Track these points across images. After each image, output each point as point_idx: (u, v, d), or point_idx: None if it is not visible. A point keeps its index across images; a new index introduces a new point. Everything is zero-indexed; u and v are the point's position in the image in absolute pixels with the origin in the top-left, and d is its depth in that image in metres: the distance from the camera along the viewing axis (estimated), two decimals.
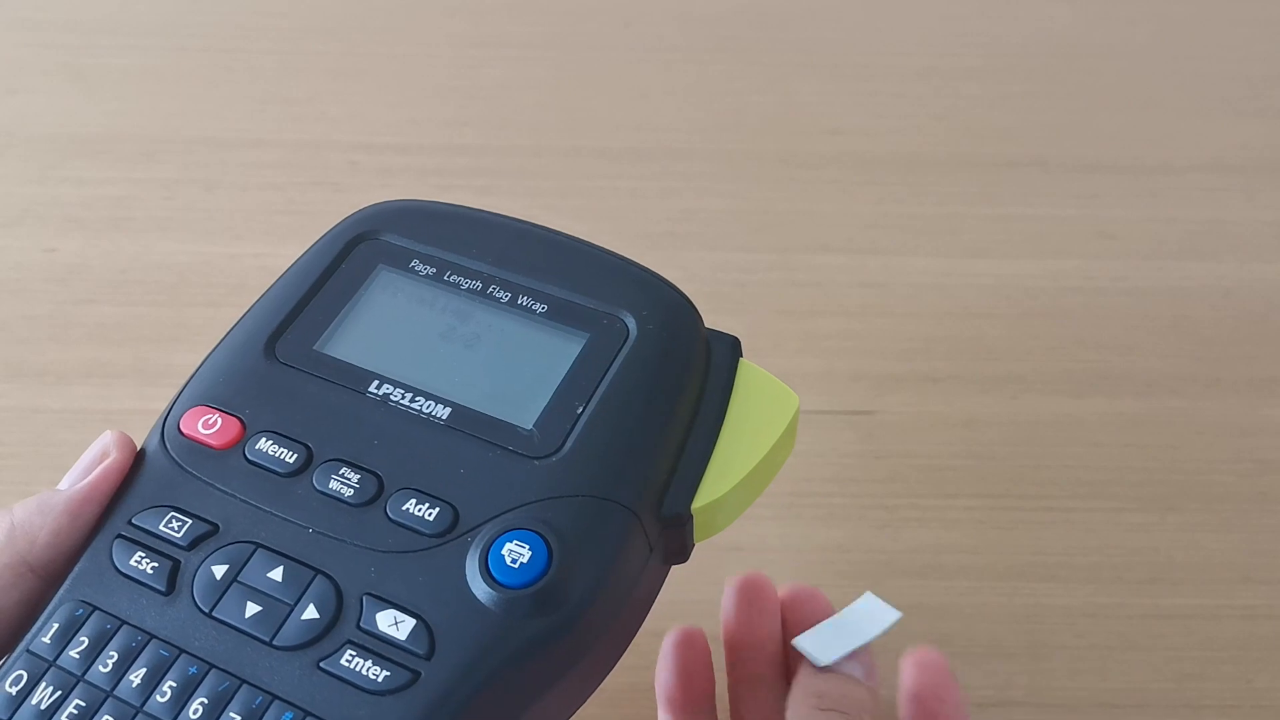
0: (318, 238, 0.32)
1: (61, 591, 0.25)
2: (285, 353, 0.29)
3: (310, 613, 0.24)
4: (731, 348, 0.30)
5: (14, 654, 0.25)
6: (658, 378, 0.28)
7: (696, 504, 0.27)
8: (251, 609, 0.24)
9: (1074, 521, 0.44)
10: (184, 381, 0.29)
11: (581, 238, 0.31)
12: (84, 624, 0.24)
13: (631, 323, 0.29)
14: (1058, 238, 0.52)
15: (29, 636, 0.25)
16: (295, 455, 0.27)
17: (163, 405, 0.44)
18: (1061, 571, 0.42)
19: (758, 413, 0.29)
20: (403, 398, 0.28)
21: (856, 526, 0.43)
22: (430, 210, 0.32)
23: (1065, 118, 0.57)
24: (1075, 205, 0.53)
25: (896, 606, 0.41)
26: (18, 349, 0.46)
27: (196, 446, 0.27)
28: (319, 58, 0.57)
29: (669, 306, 0.29)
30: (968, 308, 0.49)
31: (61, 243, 0.50)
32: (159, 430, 0.28)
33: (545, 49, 0.58)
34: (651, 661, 0.38)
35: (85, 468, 0.27)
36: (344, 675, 0.23)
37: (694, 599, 0.38)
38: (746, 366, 0.30)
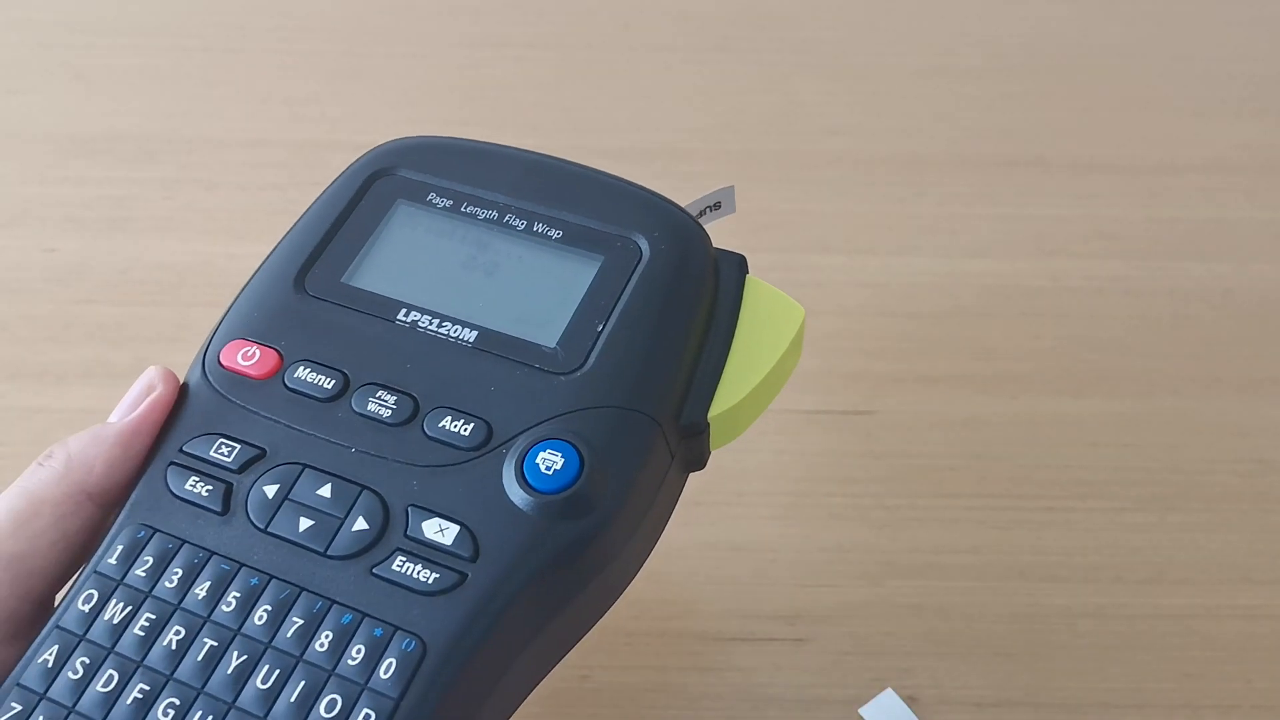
0: (336, 175, 0.33)
1: (121, 517, 0.27)
2: (315, 286, 0.30)
3: (360, 524, 0.26)
4: (739, 265, 0.31)
5: (83, 575, 0.26)
6: (671, 294, 0.29)
7: (713, 412, 0.29)
8: (305, 523, 0.26)
9: (1074, 521, 0.44)
10: (219, 317, 0.30)
11: (592, 166, 0.33)
12: (146, 545, 0.26)
13: (644, 244, 0.30)
14: (1058, 238, 0.52)
15: (95, 558, 0.26)
16: (333, 381, 0.28)
17: None
18: (1061, 571, 0.42)
19: (766, 325, 0.30)
20: (430, 323, 0.29)
21: (856, 526, 0.43)
22: (444, 145, 0.33)
23: (1065, 118, 0.57)
24: (1075, 205, 0.53)
25: (897, 606, 0.41)
26: (18, 349, 0.46)
27: (238, 378, 0.28)
28: (319, 58, 0.57)
29: (679, 227, 0.31)
30: (968, 308, 0.49)
31: (61, 243, 0.50)
32: (199, 364, 0.29)
33: (545, 49, 0.58)
34: (644, 663, 0.38)
35: (133, 401, 0.28)
36: (396, 579, 0.25)
37: (694, 597, 0.38)
38: (754, 282, 0.31)
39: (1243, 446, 0.46)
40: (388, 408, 0.27)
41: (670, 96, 0.56)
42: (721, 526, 0.42)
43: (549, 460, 0.26)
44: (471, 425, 0.27)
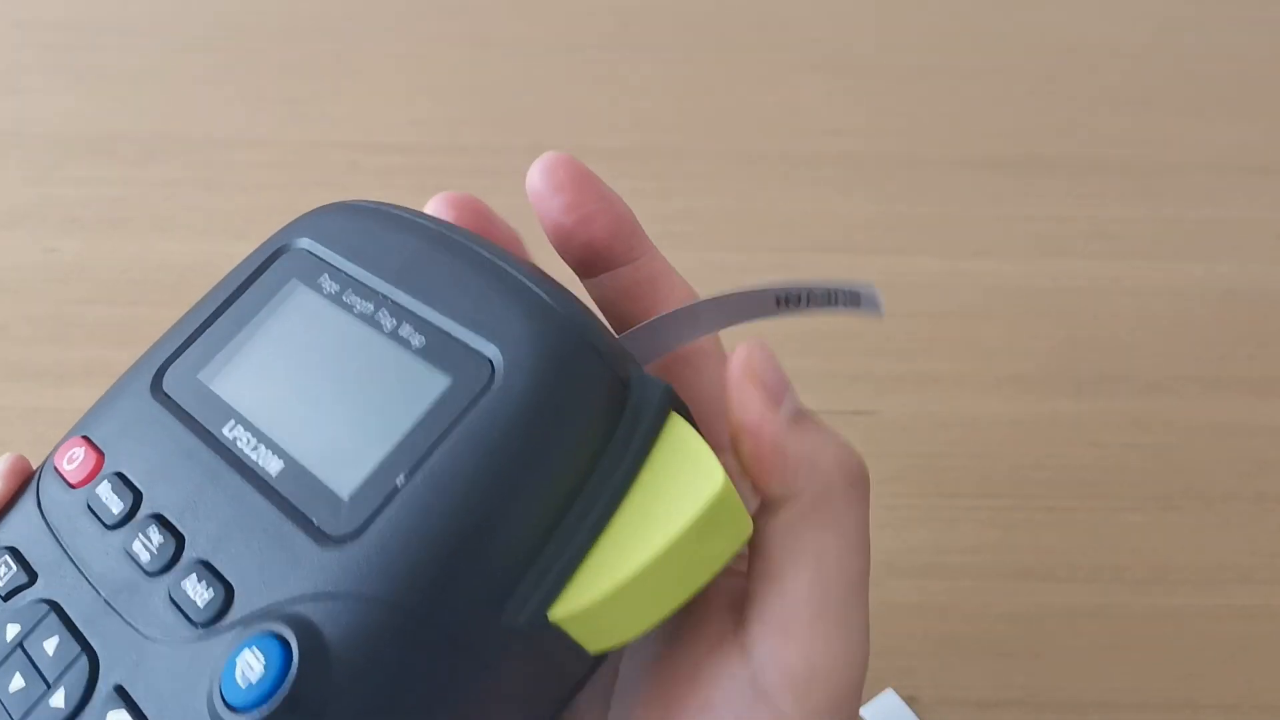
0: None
1: None
2: (170, 382, 0.26)
3: (57, 700, 0.22)
4: (660, 400, 0.22)
5: None
6: (514, 438, 0.21)
7: (560, 611, 0.20)
8: (16, 683, 0.22)
9: (1074, 521, 0.44)
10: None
11: (510, 254, 0.25)
12: None
13: (499, 362, 0.22)
14: (1058, 238, 0.52)
15: None
16: (124, 504, 0.24)
17: None
18: (1061, 571, 0.42)
19: (669, 490, 0.21)
20: (247, 444, 0.24)
21: None
22: (357, 211, 0.28)
23: (1065, 118, 0.57)
24: (1075, 205, 0.53)
25: (897, 607, 0.41)
26: (18, 349, 0.46)
27: (59, 482, 0.25)
28: (319, 58, 0.57)
29: (554, 338, 0.22)
30: (968, 308, 0.49)
31: (61, 243, 0.50)
32: (50, 456, 0.26)
33: (545, 49, 0.58)
34: None
35: None
36: None
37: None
38: (675, 428, 0.22)
39: (1243, 446, 0.46)
40: (150, 550, 0.23)
41: (670, 96, 0.56)
42: None
43: (249, 665, 0.20)
44: (213, 592, 0.21)
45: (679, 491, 0.21)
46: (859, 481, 0.24)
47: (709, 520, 0.21)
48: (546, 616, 0.20)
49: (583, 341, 0.22)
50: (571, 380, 0.22)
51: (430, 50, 0.58)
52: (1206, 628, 0.41)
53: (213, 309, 0.28)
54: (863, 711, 0.38)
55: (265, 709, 0.19)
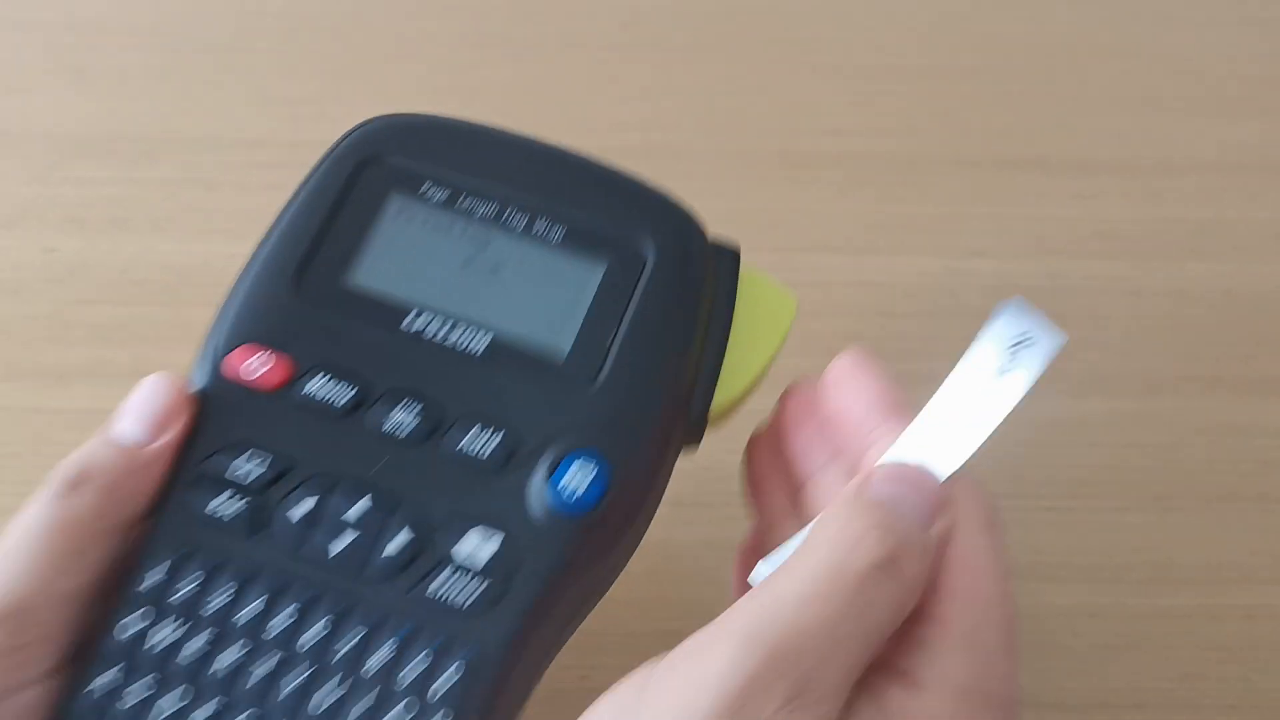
0: (319, 159, 0.32)
1: (154, 538, 0.26)
2: (314, 287, 0.29)
3: (394, 545, 0.26)
4: (734, 258, 0.32)
5: (122, 601, 0.25)
6: (676, 299, 0.30)
7: (715, 407, 0.30)
8: (335, 546, 0.26)
9: (1074, 521, 0.44)
10: (213, 320, 0.30)
11: (588, 155, 0.32)
12: (187, 567, 0.25)
13: (648, 248, 0.30)
14: (1058, 238, 0.52)
15: (131, 584, 0.26)
16: (349, 393, 0.27)
17: None
18: (1061, 571, 0.42)
19: (761, 318, 0.31)
20: (438, 330, 0.28)
21: None
22: (434, 126, 0.32)
23: (1065, 118, 0.57)
24: (1075, 205, 0.53)
25: None
26: (18, 349, 0.46)
27: (247, 388, 0.27)
28: (319, 58, 0.57)
29: (680, 229, 0.31)
30: (968, 308, 0.49)
31: (61, 243, 0.50)
32: (206, 371, 0.28)
33: (545, 49, 0.58)
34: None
35: (153, 418, 0.27)
36: (437, 598, 0.25)
37: (694, 597, 0.38)
38: (748, 274, 0.32)
39: (1243, 446, 0.46)
40: (408, 421, 0.27)
41: (670, 96, 0.56)
42: (721, 526, 0.42)
43: (580, 472, 0.27)
44: (496, 439, 0.27)
45: (770, 313, 0.31)
46: None
47: (790, 326, 0.32)
48: (708, 413, 0.30)
49: (695, 227, 0.31)
50: (697, 255, 0.31)
51: (430, 50, 0.58)
52: (1206, 628, 0.41)
53: (316, 225, 0.30)
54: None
55: (607, 497, 0.27)
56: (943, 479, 0.25)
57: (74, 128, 0.54)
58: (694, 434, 0.30)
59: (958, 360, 0.48)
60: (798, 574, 0.23)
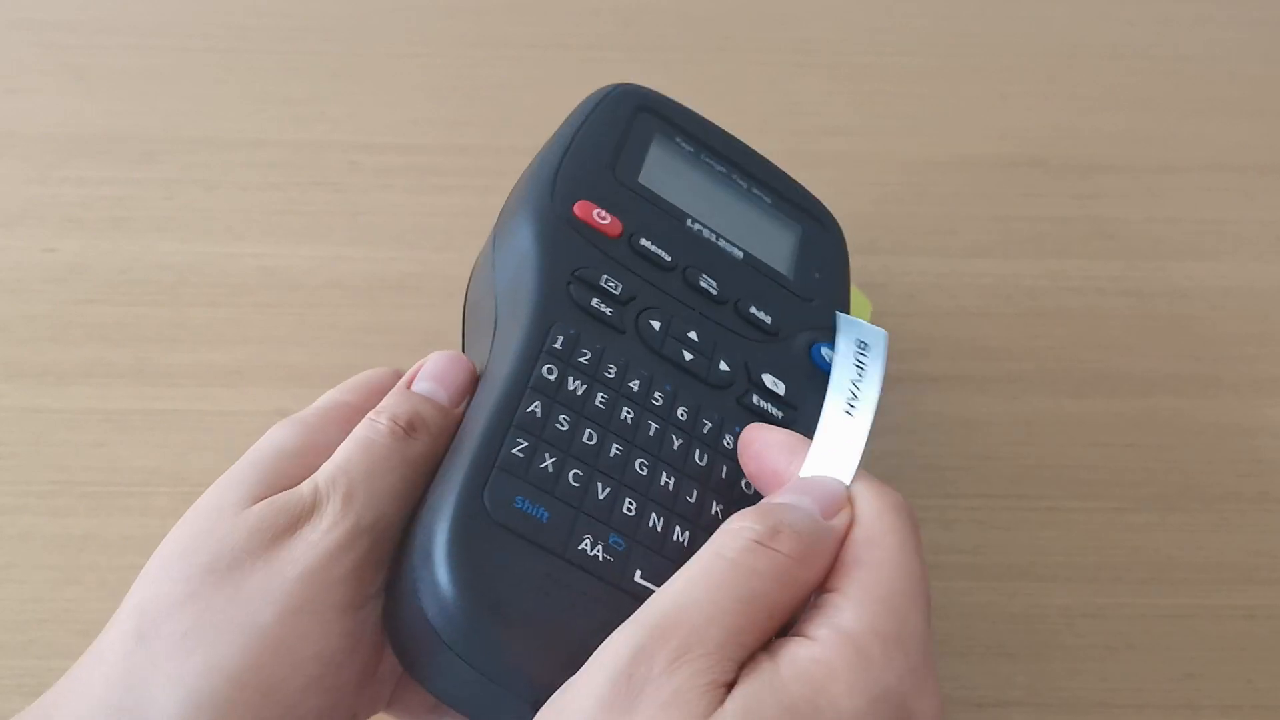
0: (584, 100, 0.39)
1: (533, 321, 0.31)
2: (622, 176, 0.36)
3: (723, 365, 0.33)
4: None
5: (527, 376, 0.30)
6: (840, 259, 0.40)
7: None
8: (687, 355, 0.33)
9: (1074, 521, 0.44)
10: (529, 181, 0.35)
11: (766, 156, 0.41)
12: (579, 341, 0.31)
13: (823, 228, 0.40)
14: (1058, 238, 0.52)
15: (524, 349, 0.31)
16: (669, 256, 0.35)
17: (162, 405, 0.44)
18: (1061, 571, 0.42)
19: (857, 299, 0.43)
20: (711, 235, 0.36)
21: None
22: (672, 103, 0.41)
23: (1065, 118, 0.57)
24: (1075, 205, 0.53)
25: None
26: (18, 349, 0.46)
27: (593, 231, 0.34)
28: (319, 58, 0.57)
29: (829, 215, 0.41)
30: (968, 308, 0.49)
31: (61, 243, 0.50)
32: (548, 213, 0.34)
33: (545, 49, 0.58)
34: None
35: (457, 389, 0.31)
36: (757, 409, 0.33)
37: None
38: None
39: (1243, 446, 0.46)
40: (711, 286, 0.35)
41: (670, 96, 0.56)
42: None
43: (830, 355, 0.35)
44: (769, 316, 0.35)
45: (859, 300, 0.44)
46: None
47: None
48: None
49: (830, 212, 0.41)
50: (841, 234, 0.41)
51: (430, 50, 0.58)
52: (1206, 628, 0.41)
53: (617, 134, 0.38)
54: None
55: None
56: (845, 482, 0.28)
57: (74, 128, 0.54)
58: None
59: (957, 360, 0.48)
60: (686, 566, 0.26)
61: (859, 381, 0.32)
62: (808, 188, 0.41)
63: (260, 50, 0.58)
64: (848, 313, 0.37)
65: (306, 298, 0.48)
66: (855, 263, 0.51)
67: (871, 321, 0.44)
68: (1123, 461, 0.45)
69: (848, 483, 0.28)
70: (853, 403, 0.31)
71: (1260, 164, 0.55)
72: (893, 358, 0.48)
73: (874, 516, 0.27)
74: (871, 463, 0.29)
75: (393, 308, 0.48)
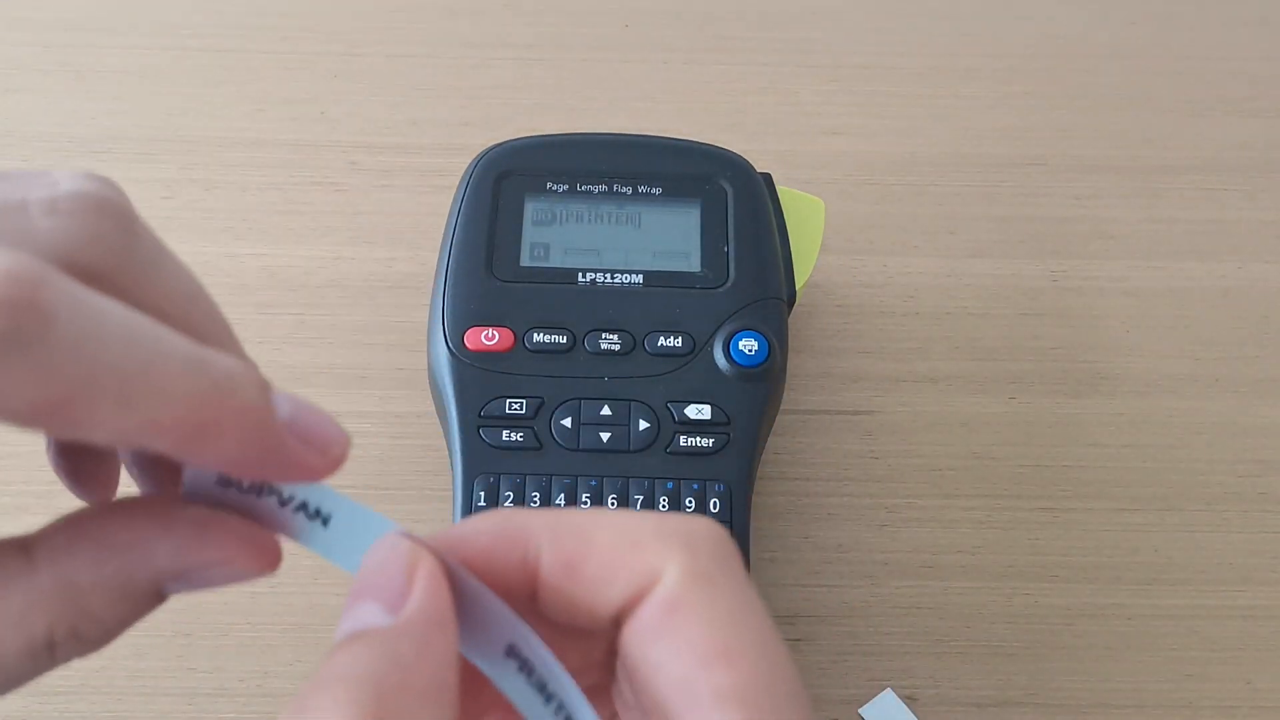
0: (459, 181, 0.41)
1: (460, 478, 0.35)
2: (501, 272, 0.39)
3: (642, 424, 0.35)
4: (770, 180, 0.42)
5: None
6: (758, 213, 0.40)
7: (799, 285, 0.40)
8: (604, 436, 0.35)
9: (1074, 521, 0.44)
10: (429, 318, 0.38)
11: (648, 134, 0.43)
12: (497, 489, 0.34)
13: (724, 184, 0.41)
14: (1058, 238, 0.52)
15: (462, 510, 0.34)
16: (564, 336, 0.37)
17: None
18: (1061, 571, 0.42)
19: (805, 217, 0.42)
20: (603, 278, 0.38)
21: (856, 526, 0.43)
22: (536, 143, 0.42)
23: (1065, 118, 0.57)
24: (1075, 205, 0.53)
25: (896, 607, 0.41)
26: None
27: (487, 354, 0.37)
28: (319, 58, 0.57)
29: (739, 165, 0.42)
30: (967, 308, 0.49)
31: None
32: (444, 353, 0.37)
33: (545, 49, 0.58)
34: None
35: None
36: (687, 451, 0.35)
37: None
38: (783, 190, 0.42)
39: (1243, 446, 0.46)
40: (614, 343, 0.37)
41: (670, 96, 0.56)
42: None
43: (748, 345, 0.37)
44: (679, 338, 0.37)
45: (810, 214, 0.43)
46: None
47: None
48: (798, 289, 0.40)
49: (747, 162, 0.42)
50: (756, 181, 0.41)
51: (430, 50, 0.58)
52: (1206, 628, 0.41)
53: (485, 228, 0.40)
54: (862, 711, 0.38)
55: (768, 358, 0.37)
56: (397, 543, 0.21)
57: (74, 128, 0.54)
58: (790, 304, 0.40)
59: (956, 360, 0.48)
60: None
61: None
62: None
63: (260, 50, 0.58)
64: (781, 249, 0.40)
65: (306, 298, 0.48)
66: (855, 262, 0.51)
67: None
68: (1123, 461, 0.45)
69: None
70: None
71: (1260, 164, 0.55)
72: (893, 357, 0.48)
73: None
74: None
75: (393, 308, 0.48)
